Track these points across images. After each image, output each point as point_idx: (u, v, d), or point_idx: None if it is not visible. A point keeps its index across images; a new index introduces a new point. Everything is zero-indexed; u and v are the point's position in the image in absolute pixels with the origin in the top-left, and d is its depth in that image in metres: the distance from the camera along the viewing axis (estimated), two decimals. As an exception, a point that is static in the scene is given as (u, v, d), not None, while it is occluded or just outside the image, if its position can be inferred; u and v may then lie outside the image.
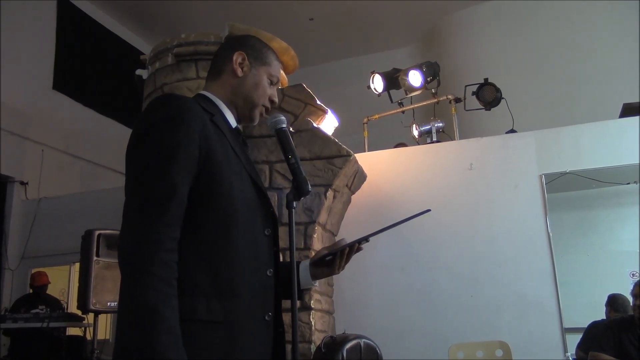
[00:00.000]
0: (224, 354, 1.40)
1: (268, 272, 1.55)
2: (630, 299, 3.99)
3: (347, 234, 3.57)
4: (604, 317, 4.47)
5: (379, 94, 5.99)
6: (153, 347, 1.24)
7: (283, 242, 3.75)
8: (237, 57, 1.69)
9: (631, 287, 3.96)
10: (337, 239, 4.62)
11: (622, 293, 4.56)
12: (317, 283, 1.76)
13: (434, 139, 5.46)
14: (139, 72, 4.85)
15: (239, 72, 1.68)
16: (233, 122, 1.68)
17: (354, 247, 1.67)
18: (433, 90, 5.75)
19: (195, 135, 1.45)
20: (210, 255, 1.44)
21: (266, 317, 1.52)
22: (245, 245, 1.50)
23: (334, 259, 1.67)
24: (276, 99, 1.75)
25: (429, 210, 1.71)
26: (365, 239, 1.65)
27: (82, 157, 8.32)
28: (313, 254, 3.61)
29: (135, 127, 1.50)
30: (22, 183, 7.39)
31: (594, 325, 4.11)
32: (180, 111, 1.47)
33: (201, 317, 1.38)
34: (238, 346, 1.42)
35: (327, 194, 4.21)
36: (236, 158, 1.56)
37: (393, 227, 1.65)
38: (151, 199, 1.37)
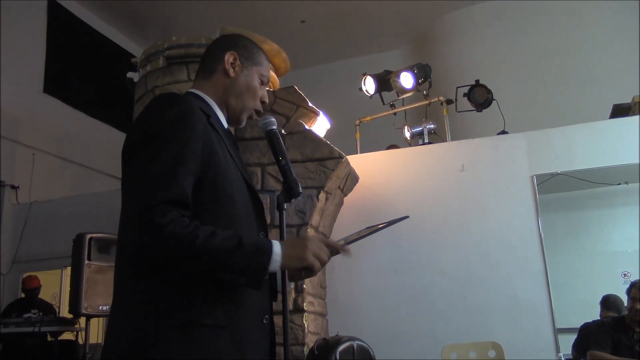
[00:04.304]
0: (229, 358, 1.39)
1: None
2: (624, 297, 3.98)
3: (339, 236, 3.56)
4: (598, 318, 4.47)
5: (371, 96, 5.99)
6: (257, 260, 1.38)
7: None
8: (228, 57, 1.68)
9: (624, 286, 3.95)
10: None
11: (614, 293, 4.58)
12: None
13: (426, 140, 5.47)
14: (130, 74, 4.82)
15: (231, 72, 1.67)
16: (225, 123, 1.67)
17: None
18: (424, 92, 5.76)
19: (201, 138, 1.45)
20: None
21: (264, 320, 1.52)
22: None
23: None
24: (267, 99, 1.75)
25: (407, 217, 1.72)
26: (350, 243, 1.65)
27: (73, 161, 8.28)
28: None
29: (141, 126, 1.48)
30: (13, 187, 7.34)
31: (587, 326, 4.11)
32: (187, 113, 1.46)
33: (206, 322, 1.37)
34: (240, 350, 1.42)
35: (319, 196, 4.20)
36: (232, 161, 1.55)
37: (373, 233, 1.66)
38: (161, 201, 1.34)
